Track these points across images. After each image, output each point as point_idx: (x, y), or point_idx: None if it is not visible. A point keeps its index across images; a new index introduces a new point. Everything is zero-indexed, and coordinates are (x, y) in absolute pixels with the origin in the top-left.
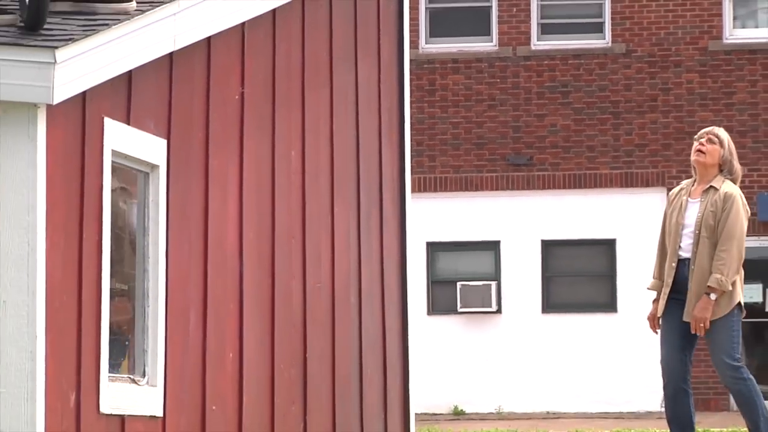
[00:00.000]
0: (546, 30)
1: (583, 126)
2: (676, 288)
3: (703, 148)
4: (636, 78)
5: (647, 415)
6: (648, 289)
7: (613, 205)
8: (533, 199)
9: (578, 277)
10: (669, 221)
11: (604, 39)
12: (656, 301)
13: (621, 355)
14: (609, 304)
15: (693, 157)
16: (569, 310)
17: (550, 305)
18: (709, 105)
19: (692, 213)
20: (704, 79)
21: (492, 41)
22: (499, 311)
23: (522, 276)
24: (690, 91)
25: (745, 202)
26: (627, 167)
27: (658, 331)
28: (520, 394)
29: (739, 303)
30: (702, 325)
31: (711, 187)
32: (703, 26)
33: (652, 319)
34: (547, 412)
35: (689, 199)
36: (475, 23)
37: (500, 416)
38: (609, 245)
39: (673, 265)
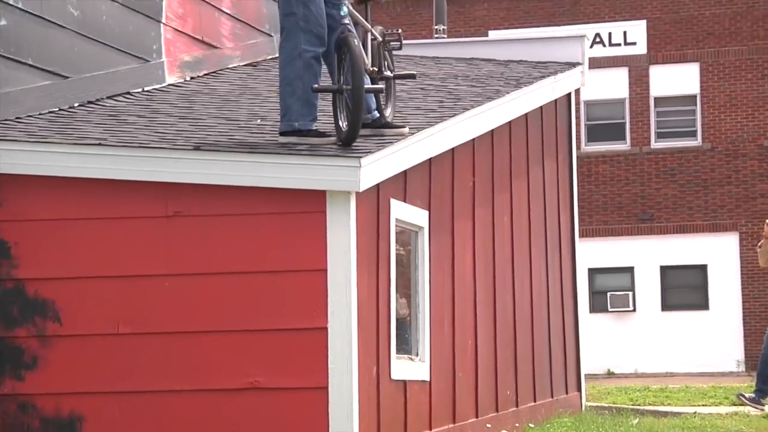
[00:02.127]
0: (660, 135)
1: (685, 195)
2: None
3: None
4: (717, 164)
5: (729, 374)
6: None
7: (705, 244)
8: (654, 241)
9: (684, 288)
10: None
11: (697, 140)
12: None
13: (711, 337)
14: (703, 304)
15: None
16: (679, 308)
17: (666, 305)
18: (765, 181)
19: None
20: (761, 164)
21: (626, 143)
22: (634, 310)
23: (647, 288)
24: (752, 172)
25: None
26: (713, 220)
27: None
28: (648, 360)
29: None
30: None
31: None
32: (760, 130)
33: None
34: (666, 372)
35: None
36: (615, 132)
37: (636, 375)
38: (702, 268)
39: None
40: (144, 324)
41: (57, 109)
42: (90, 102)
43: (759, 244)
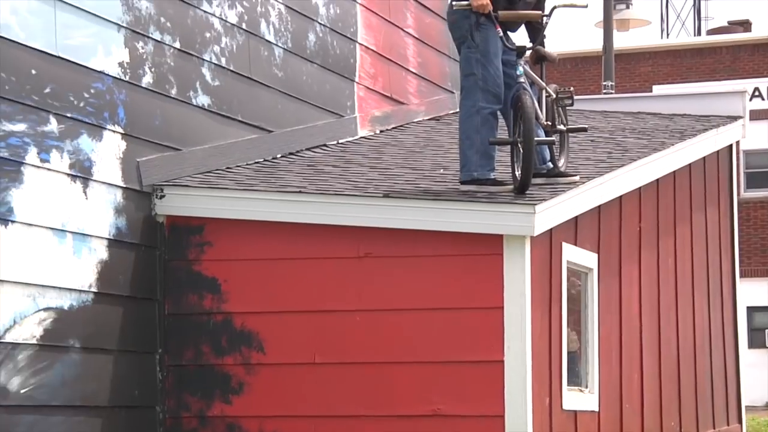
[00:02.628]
0: None
1: None
2: None
3: None
4: None
5: None
6: None
7: None
8: None
9: None
10: None
11: None
12: None
13: None
14: None
15: None
16: None
17: None
18: None
19: None
20: None
21: None
22: None
23: None
24: None
25: None
26: None
27: None
28: None
29: None
30: None
31: None
32: None
33: None
34: None
35: None
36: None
37: None
38: None
39: None
40: (337, 355)
41: (262, 160)
42: (291, 153)
43: None
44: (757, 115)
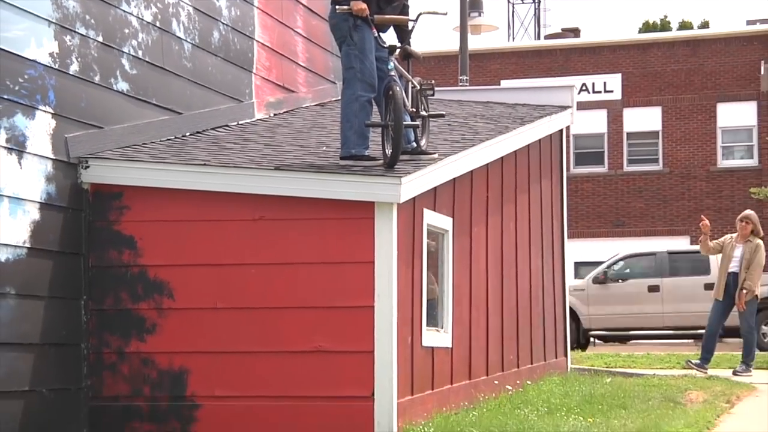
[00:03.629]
0: (630, 161)
1: (649, 207)
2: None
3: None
4: (674, 184)
5: (681, 344)
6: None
7: (664, 244)
8: (626, 241)
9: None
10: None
11: (659, 165)
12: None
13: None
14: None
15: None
16: None
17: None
18: (710, 197)
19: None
20: (708, 185)
21: (604, 167)
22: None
23: None
24: (701, 191)
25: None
26: (671, 226)
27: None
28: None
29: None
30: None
31: (747, 241)
32: (707, 159)
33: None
34: (633, 342)
35: (736, 245)
36: (596, 158)
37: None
38: None
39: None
40: (235, 301)
41: (173, 138)
42: (197, 132)
43: (700, 239)
44: (583, 106)
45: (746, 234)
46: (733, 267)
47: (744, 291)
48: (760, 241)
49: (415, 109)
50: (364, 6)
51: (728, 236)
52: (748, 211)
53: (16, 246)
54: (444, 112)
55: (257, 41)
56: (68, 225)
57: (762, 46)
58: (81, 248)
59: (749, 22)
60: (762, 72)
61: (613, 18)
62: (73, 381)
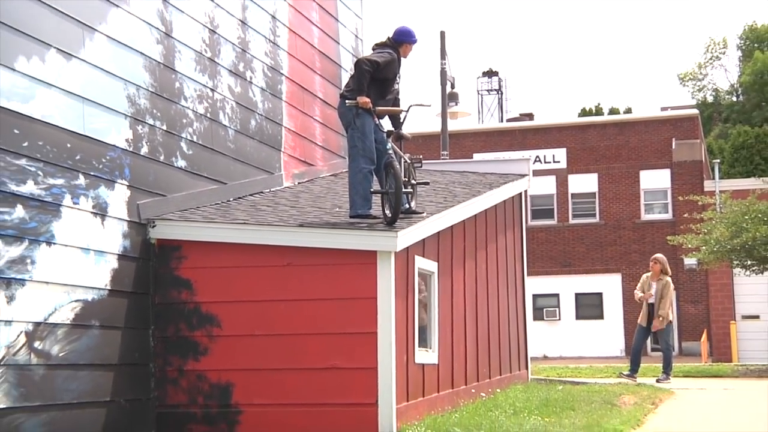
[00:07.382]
0: (575, 215)
1: (589, 251)
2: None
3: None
4: (608, 234)
5: (616, 358)
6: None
7: (601, 280)
8: (572, 278)
9: (589, 306)
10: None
11: (596, 218)
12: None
13: (606, 335)
14: (600, 316)
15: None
16: (586, 318)
17: (578, 316)
18: (637, 243)
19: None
20: (634, 234)
21: (554, 220)
22: (559, 319)
23: (567, 305)
24: (628, 239)
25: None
26: (606, 266)
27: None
28: (568, 349)
29: (670, 321)
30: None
31: (659, 279)
32: (633, 213)
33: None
34: (579, 356)
35: (651, 282)
36: (547, 213)
37: (561, 358)
38: (599, 294)
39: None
40: (268, 329)
41: (220, 202)
42: (239, 198)
43: (636, 288)
44: (537, 173)
45: (657, 271)
46: (651, 299)
47: (660, 318)
48: (669, 279)
49: (406, 179)
50: (368, 100)
51: (645, 275)
52: (658, 255)
53: (99, 288)
54: (429, 180)
55: (285, 127)
56: (139, 271)
57: (673, 127)
58: (149, 289)
59: (663, 108)
60: (673, 147)
61: (558, 104)
62: (143, 393)
